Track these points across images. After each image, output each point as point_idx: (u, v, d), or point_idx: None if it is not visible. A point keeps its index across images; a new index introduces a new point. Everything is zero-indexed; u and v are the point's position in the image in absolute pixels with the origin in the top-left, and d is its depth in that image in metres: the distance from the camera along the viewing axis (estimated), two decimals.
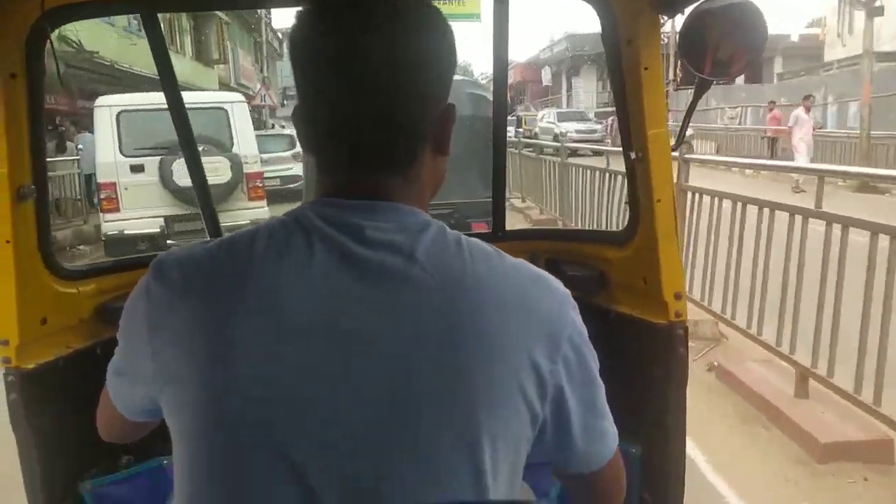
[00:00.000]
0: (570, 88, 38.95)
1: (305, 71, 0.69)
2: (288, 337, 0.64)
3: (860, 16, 21.14)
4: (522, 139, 13.27)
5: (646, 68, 1.30)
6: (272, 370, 0.64)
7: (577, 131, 22.38)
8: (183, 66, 17.74)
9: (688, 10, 1.23)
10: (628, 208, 1.49)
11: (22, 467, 1.30)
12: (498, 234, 1.66)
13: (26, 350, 1.26)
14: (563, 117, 25.44)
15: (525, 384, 0.65)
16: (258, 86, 26.65)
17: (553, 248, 1.63)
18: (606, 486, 0.78)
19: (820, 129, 14.78)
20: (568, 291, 0.73)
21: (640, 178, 1.38)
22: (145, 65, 14.52)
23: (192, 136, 1.55)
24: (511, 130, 25.36)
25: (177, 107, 1.49)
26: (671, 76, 29.88)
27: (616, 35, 1.34)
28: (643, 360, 1.41)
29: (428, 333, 0.64)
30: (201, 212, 1.62)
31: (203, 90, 15.29)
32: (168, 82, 1.46)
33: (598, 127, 24.05)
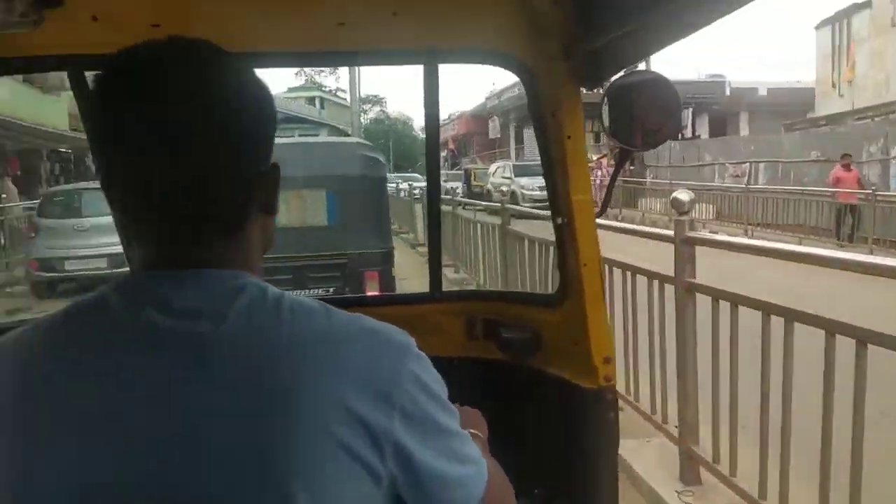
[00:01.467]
0: (520, 140, 35.49)
1: (106, 146, 0.68)
2: (89, 428, 0.62)
3: (861, 61, 19.96)
4: (461, 198, 12.20)
5: (569, 137, 1.38)
6: (75, 464, 0.62)
7: (541, 188, 18.82)
8: (5, 91, 14.12)
9: (606, 84, 1.34)
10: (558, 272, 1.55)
11: None
12: (434, 295, 1.69)
13: None
14: (520, 171, 22.02)
15: (348, 441, 0.63)
16: None
17: (490, 309, 1.65)
18: None
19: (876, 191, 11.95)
20: (410, 341, 0.71)
21: (567, 243, 1.44)
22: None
23: None
24: (458, 187, 23.69)
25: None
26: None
27: (540, 106, 1.42)
28: (574, 423, 1.45)
29: (231, 399, 0.62)
30: None
31: (42, 128, 14.37)
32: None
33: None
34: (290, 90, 48.80)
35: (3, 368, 0.67)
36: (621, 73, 1.36)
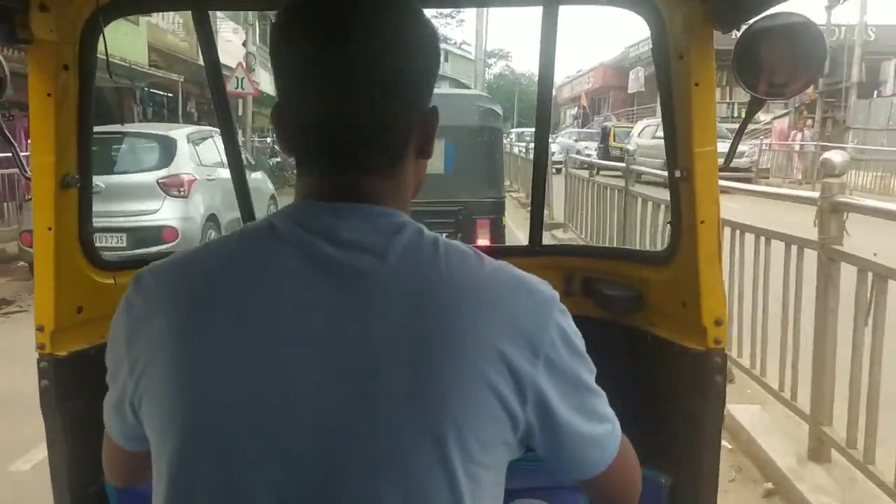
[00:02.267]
0: None
1: (284, 72, 0.72)
2: (255, 345, 0.67)
3: None
4: (598, 161, 11.63)
5: (696, 84, 1.31)
6: (244, 380, 0.66)
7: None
8: None
9: (744, 27, 1.23)
10: (669, 228, 1.49)
11: (49, 452, 1.36)
12: (535, 249, 1.68)
13: (60, 337, 1.32)
14: None
15: (496, 383, 0.66)
16: (236, 64, 14.89)
17: (590, 266, 1.63)
18: (613, 488, 0.80)
19: None
20: (555, 294, 0.74)
21: (684, 197, 1.38)
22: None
23: (231, 121, 1.65)
24: (589, 147, 21.67)
25: (220, 99, 1.59)
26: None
27: (667, 49, 1.36)
28: (679, 386, 1.40)
29: (394, 333, 0.66)
30: (238, 201, 1.68)
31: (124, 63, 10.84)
32: (214, 78, 1.56)
33: (745, 150, 17.64)
34: None
35: (180, 286, 0.72)
36: (762, 15, 1.22)
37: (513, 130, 28.81)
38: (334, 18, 0.70)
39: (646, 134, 19.34)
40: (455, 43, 52.26)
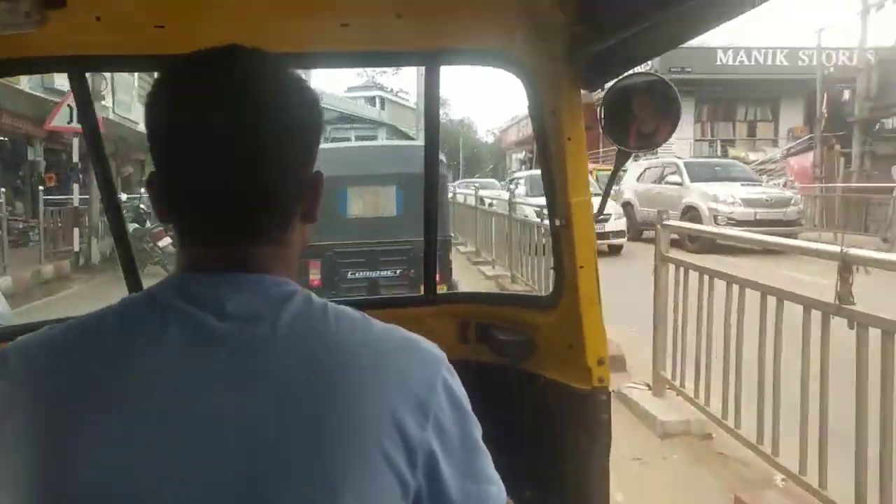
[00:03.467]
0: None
1: (160, 141, 0.71)
2: (131, 427, 0.63)
3: None
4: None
5: (569, 138, 1.43)
6: (119, 468, 0.62)
7: (747, 202, 12.70)
8: None
9: (608, 86, 1.40)
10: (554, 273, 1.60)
11: None
12: (429, 298, 1.73)
13: None
14: (700, 173, 14.19)
15: (391, 452, 0.65)
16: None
17: (483, 312, 1.70)
18: None
19: None
20: (442, 355, 0.74)
21: (564, 244, 1.49)
22: None
23: (112, 185, 1.58)
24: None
25: (101, 165, 1.54)
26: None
27: (541, 107, 1.48)
28: (569, 425, 1.49)
29: (289, 406, 0.65)
30: (123, 269, 1.60)
31: None
32: (94, 142, 1.51)
33: (791, 195, 13.88)
34: (350, 89, 50.17)
35: (49, 365, 0.68)
36: (622, 76, 1.40)
37: (459, 181, 27.93)
38: (210, 88, 0.70)
39: (648, 178, 15.23)
40: (391, 91, 54.08)
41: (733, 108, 26.24)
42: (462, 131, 57.30)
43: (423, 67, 1.61)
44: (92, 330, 0.70)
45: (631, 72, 1.42)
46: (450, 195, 12.35)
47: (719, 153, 23.62)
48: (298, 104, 0.74)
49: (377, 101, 50.59)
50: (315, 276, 5.50)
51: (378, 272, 5.55)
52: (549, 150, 1.49)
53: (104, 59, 1.47)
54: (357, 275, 5.57)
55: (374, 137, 45.21)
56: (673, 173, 14.74)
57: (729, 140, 25.68)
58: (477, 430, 0.74)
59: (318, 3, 1.38)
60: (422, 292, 1.78)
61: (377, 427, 0.66)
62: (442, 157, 6.31)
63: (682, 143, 25.03)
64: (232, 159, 0.69)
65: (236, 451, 0.63)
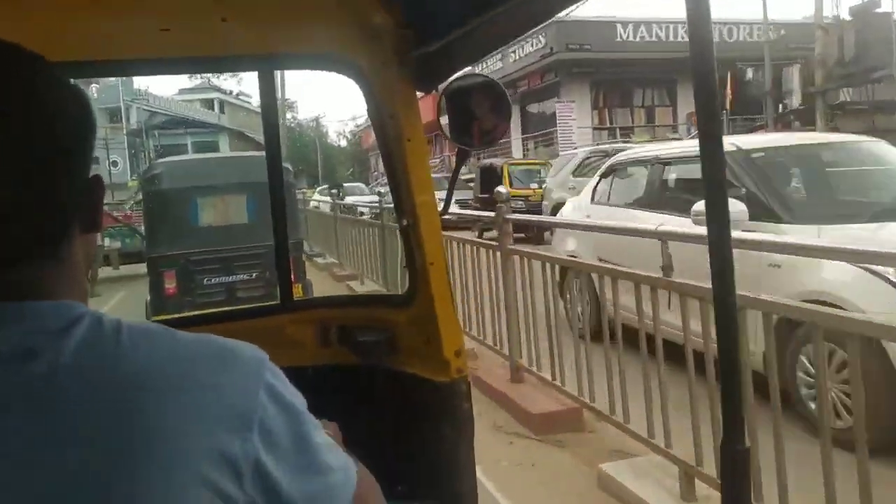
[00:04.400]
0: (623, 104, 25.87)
1: None
2: None
3: None
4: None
5: (409, 140, 1.47)
6: None
7: None
8: None
9: (441, 88, 1.48)
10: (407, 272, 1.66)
11: None
12: (285, 305, 1.74)
13: None
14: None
15: (206, 471, 0.62)
16: None
17: (343, 315, 1.74)
18: None
19: None
20: (262, 357, 0.71)
21: (413, 243, 1.55)
22: None
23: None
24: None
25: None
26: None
27: (379, 110, 1.52)
28: (432, 418, 1.56)
29: (76, 457, 0.58)
30: None
31: None
32: None
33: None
34: (182, 91, 47.78)
35: None
36: (454, 77, 1.50)
37: (320, 188, 25.98)
38: None
39: (586, 170, 12.16)
40: (231, 93, 52.06)
41: (630, 92, 25.46)
42: (314, 136, 56.02)
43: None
44: None
45: (461, 73, 1.50)
46: (312, 205, 12.40)
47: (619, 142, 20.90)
48: (62, 107, 0.67)
49: (215, 104, 48.47)
50: (170, 286, 5.79)
51: (234, 276, 5.88)
52: (390, 152, 1.53)
53: None
54: (213, 280, 5.90)
55: (214, 143, 43.35)
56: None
57: (628, 127, 24.89)
58: (312, 427, 0.73)
59: (132, 5, 1.34)
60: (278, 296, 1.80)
61: (196, 452, 0.62)
62: (288, 165, 6.53)
63: (582, 133, 23.46)
64: None
65: None
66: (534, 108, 27.92)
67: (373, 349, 1.65)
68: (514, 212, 12.07)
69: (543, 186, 14.16)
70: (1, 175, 0.62)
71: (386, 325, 1.66)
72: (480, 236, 12.16)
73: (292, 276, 6.20)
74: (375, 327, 1.67)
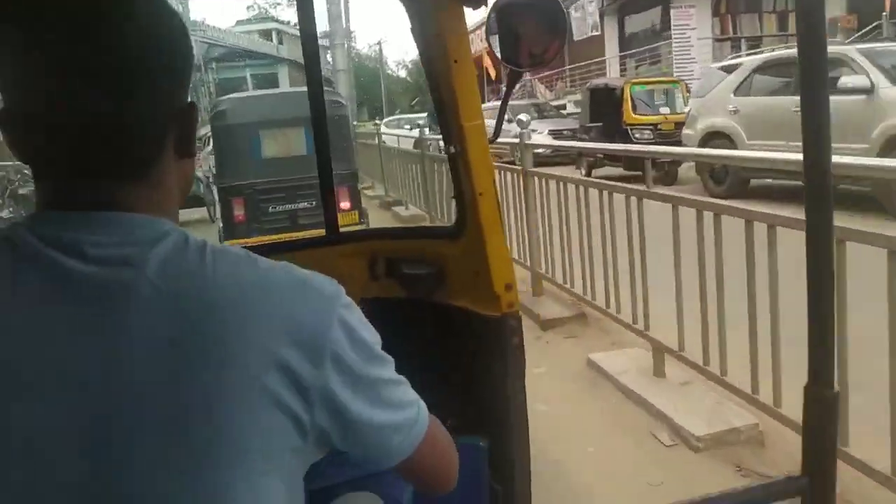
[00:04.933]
0: (643, 39, 21.97)
1: (9, 67, 0.67)
2: None
3: None
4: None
5: (455, 61, 1.42)
6: None
7: None
8: None
9: (491, 3, 1.39)
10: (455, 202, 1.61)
11: None
12: (332, 238, 1.75)
13: None
14: None
15: (275, 389, 0.65)
16: None
17: (391, 248, 1.73)
18: (425, 469, 0.83)
19: None
20: (338, 290, 0.73)
21: (462, 172, 1.51)
22: None
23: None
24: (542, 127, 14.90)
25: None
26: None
27: (423, 29, 1.48)
28: (482, 353, 1.55)
29: (155, 352, 0.63)
30: None
31: None
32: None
33: None
34: (240, 23, 47.82)
35: None
36: None
37: (385, 120, 24.51)
38: (64, 11, 0.66)
39: (762, 86, 8.99)
40: (289, 23, 51.80)
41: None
42: (373, 68, 53.73)
43: None
44: None
45: None
46: (383, 140, 12.41)
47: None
48: (159, 29, 0.71)
49: (273, 35, 48.66)
50: (239, 213, 6.49)
51: (296, 204, 6.48)
52: (436, 74, 1.49)
53: None
54: (278, 208, 6.54)
55: (273, 76, 43.76)
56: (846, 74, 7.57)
57: (756, 38, 19.80)
58: (385, 365, 0.75)
59: None
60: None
61: (255, 365, 0.65)
62: (342, 98, 7.20)
63: (701, 45, 19.07)
64: (83, 84, 0.66)
65: (96, 398, 0.63)
66: (636, 19, 23.07)
67: (421, 282, 1.65)
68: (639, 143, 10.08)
69: (686, 110, 10.88)
70: (96, 91, 0.66)
71: (434, 258, 1.65)
72: (589, 174, 11.36)
73: (349, 203, 6.91)
74: (424, 260, 1.67)
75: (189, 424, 0.63)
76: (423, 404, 0.80)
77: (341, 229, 1.81)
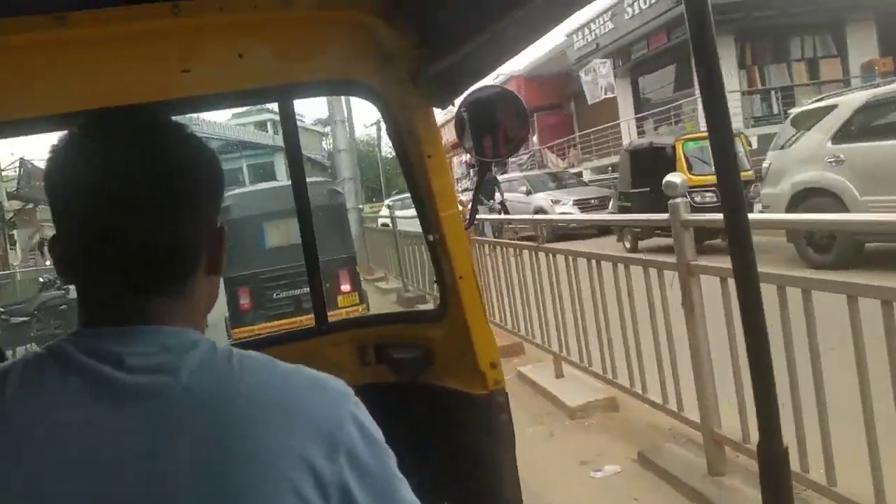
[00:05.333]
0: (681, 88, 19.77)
1: (61, 200, 0.76)
2: (38, 479, 0.66)
3: None
4: None
5: (429, 156, 1.52)
6: None
7: None
8: None
9: (458, 102, 1.51)
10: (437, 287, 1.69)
11: None
12: (321, 328, 1.79)
13: None
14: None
15: (301, 487, 0.70)
16: None
17: (379, 334, 1.78)
18: None
19: None
20: (348, 390, 0.79)
21: (441, 258, 1.59)
22: None
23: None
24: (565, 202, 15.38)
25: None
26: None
27: (397, 127, 1.57)
28: (472, 431, 1.59)
29: (190, 454, 0.68)
30: None
31: None
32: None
33: None
34: (236, 115, 49.27)
35: None
36: (470, 90, 1.52)
37: (387, 201, 24.58)
38: (108, 147, 0.76)
39: (865, 131, 7.47)
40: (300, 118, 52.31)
41: (785, 43, 19.33)
42: (369, 152, 54.77)
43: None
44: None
45: (475, 86, 1.52)
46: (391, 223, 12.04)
47: (774, 110, 17.29)
48: (196, 160, 0.80)
49: (269, 125, 49.90)
50: (245, 301, 6.86)
51: (299, 290, 6.68)
52: (412, 169, 1.58)
53: None
54: (282, 294, 6.88)
55: (269, 164, 44.72)
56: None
57: (787, 88, 18.78)
58: (392, 460, 0.79)
59: (152, 52, 1.40)
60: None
61: (284, 465, 0.70)
62: (338, 188, 7.59)
63: (729, 99, 17.27)
64: (130, 213, 0.74)
65: (141, 499, 0.67)
66: (650, 79, 22.36)
67: (410, 366, 1.71)
68: (698, 209, 7.69)
69: (764, 165, 9.07)
70: (146, 224, 0.75)
71: (421, 341, 1.71)
72: (634, 248, 10.32)
73: (350, 286, 6.99)
74: (411, 344, 1.72)
75: None
76: None
77: (344, 311, 2.17)
